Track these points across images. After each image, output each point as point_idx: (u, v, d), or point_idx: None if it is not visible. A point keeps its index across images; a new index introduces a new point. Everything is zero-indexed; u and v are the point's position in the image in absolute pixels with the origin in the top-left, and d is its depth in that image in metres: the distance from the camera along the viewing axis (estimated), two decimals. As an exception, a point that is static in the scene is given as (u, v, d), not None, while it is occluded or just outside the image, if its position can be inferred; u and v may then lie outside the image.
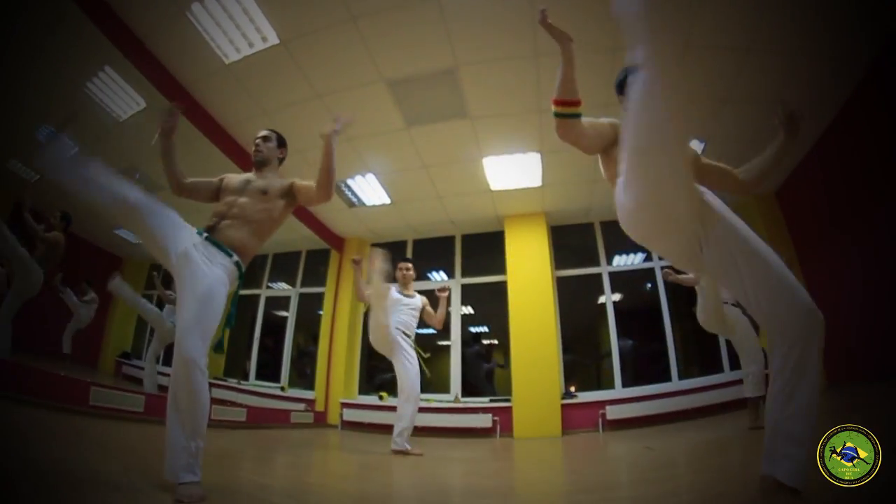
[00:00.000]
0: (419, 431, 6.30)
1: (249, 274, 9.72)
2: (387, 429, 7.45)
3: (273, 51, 5.34)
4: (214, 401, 8.35)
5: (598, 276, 8.69)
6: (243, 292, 10.42)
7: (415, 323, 5.46)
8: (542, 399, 7.54)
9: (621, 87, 2.45)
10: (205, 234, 2.64)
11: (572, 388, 8.08)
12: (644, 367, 8.22)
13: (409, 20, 4.95)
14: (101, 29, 4.87)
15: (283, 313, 10.35)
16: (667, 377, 7.62)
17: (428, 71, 5.56)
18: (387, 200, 8.36)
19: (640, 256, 8.79)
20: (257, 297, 10.48)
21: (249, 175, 3.02)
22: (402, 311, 5.35)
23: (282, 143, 3.23)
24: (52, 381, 4.33)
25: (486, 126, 6.40)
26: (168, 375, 2.47)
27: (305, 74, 5.67)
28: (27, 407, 3.85)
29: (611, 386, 7.93)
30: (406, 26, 5.01)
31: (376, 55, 5.36)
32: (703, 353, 7.84)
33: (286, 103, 6.16)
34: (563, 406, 7.54)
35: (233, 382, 9.57)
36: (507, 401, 7.78)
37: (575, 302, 9.12)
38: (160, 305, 8.01)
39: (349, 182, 7.88)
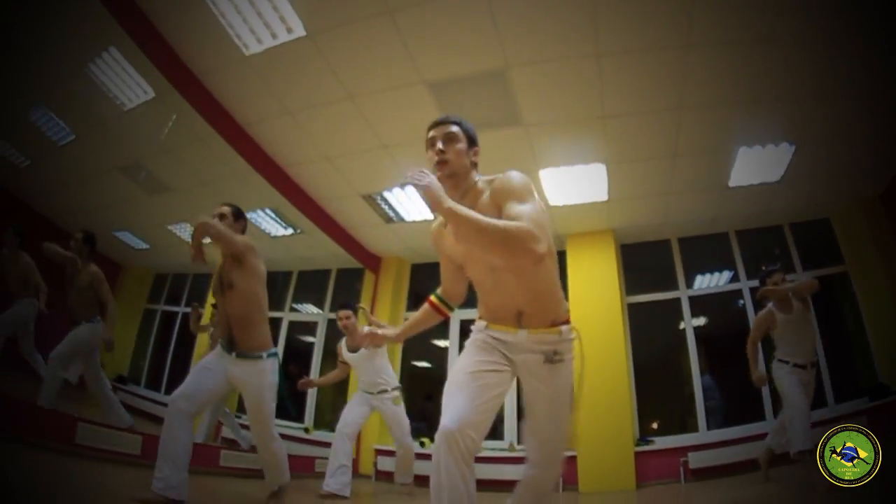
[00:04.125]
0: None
1: (272, 294, 9.93)
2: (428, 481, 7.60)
3: (299, 44, 5.49)
4: (225, 442, 8.52)
5: (677, 300, 8.73)
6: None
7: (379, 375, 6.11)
8: (613, 446, 7.57)
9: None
10: (234, 353, 3.82)
11: (655, 425, 8.19)
12: (733, 404, 8.17)
13: (451, 14, 5.07)
14: (106, 5, 4.94)
15: (310, 339, 10.55)
16: (760, 415, 7.52)
17: (474, 72, 5.73)
18: (429, 216, 8.51)
19: (725, 276, 8.82)
20: (279, 320, 10.64)
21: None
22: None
23: (238, 216, 4.15)
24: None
25: (542, 134, 6.56)
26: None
27: (335, 72, 5.84)
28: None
29: (694, 429, 7.91)
30: (448, 21, 5.15)
31: (415, 53, 5.54)
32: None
33: (313, 103, 6.38)
34: (636, 454, 7.57)
35: (245, 419, 9.42)
36: (571, 448, 7.72)
37: (651, 330, 9.17)
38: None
39: (385, 195, 8.14)
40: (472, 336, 2.59)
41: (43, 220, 9.63)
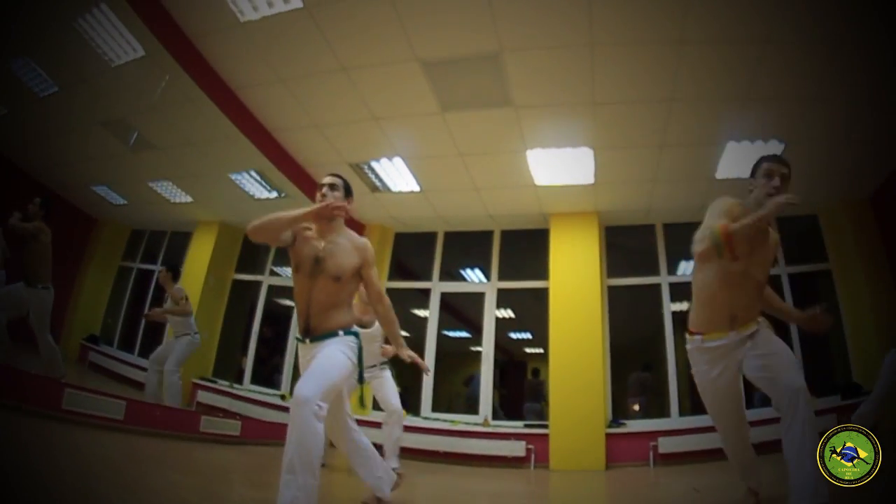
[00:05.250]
0: (440, 457, 6.60)
1: (250, 257, 9.79)
2: (407, 451, 7.86)
3: (295, 14, 5.60)
4: (201, 406, 8.75)
5: (657, 286, 8.97)
6: (243, 278, 10.84)
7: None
8: (585, 426, 7.87)
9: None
10: (307, 339, 3.36)
11: (636, 407, 8.58)
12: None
13: (447, -5, 5.26)
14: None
15: (289, 302, 10.54)
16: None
17: (468, 54, 5.92)
18: (416, 188, 8.81)
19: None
20: (258, 284, 10.79)
21: (315, 243, 3.42)
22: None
23: (349, 192, 3.64)
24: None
25: (531, 116, 6.77)
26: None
27: (330, 44, 5.99)
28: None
29: (666, 414, 8.22)
30: (445, 2, 5.33)
31: (411, 32, 5.70)
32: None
33: (306, 73, 6.54)
34: (608, 435, 7.88)
35: (224, 385, 9.78)
36: (545, 427, 8.16)
37: (635, 312, 9.48)
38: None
39: (373, 164, 8.34)
40: (697, 357, 3.17)
41: (19, 173, 9.60)
